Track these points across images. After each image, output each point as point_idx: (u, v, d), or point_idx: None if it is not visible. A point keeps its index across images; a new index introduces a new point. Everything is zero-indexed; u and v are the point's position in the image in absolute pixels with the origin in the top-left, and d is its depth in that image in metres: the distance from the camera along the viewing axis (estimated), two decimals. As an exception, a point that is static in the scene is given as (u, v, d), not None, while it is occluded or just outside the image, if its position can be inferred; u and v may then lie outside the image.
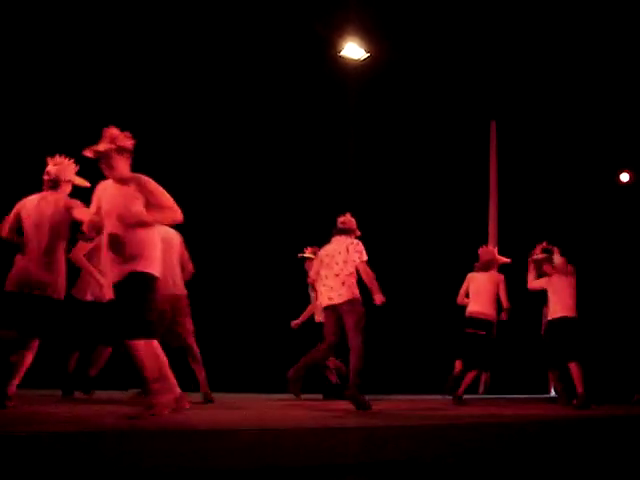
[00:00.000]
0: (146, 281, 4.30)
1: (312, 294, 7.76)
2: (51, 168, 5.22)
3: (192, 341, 6.43)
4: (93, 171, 4.94)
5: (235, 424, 3.78)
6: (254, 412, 5.00)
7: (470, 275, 8.02)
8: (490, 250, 8.36)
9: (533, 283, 7.91)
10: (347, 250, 6.28)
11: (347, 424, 3.92)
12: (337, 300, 6.08)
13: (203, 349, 8.64)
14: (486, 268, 7.97)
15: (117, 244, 4.29)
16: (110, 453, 2.71)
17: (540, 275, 7.88)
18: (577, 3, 10.16)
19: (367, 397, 7.53)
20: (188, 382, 6.66)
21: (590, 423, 5.66)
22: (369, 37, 10.44)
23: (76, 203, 5.08)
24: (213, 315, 9.09)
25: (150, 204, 4.39)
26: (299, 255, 7.81)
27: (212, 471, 2.81)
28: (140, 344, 4.15)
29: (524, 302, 8.41)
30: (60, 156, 5.30)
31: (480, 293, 7.87)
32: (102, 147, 4.58)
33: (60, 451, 2.66)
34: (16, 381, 4.92)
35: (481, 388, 11.92)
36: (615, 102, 11.71)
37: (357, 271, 6.20)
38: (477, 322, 7.85)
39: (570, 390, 7.72)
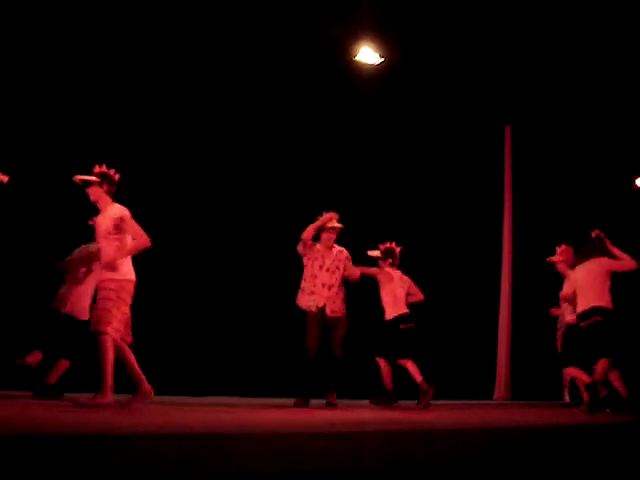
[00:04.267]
0: None
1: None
2: None
3: None
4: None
5: (246, 428, 3.77)
6: (265, 415, 4.99)
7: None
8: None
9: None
10: None
11: (364, 428, 3.91)
12: None
13: (213, 351, 8.67)
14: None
15: None
16: (119, 456, 2.70)
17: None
18: (594, 8, 10.12)
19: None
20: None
21: (605, 430, 5.61)
22: (384, 42, 10.44)
23: None
24: (225, 317, 9.12)
25: None
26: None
27: (228, 475, 2.80)
28: None
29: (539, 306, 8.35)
30: None
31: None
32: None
33: (74, 453, 2.66)
34: None
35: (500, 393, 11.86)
36: (631, 107, 11.63)
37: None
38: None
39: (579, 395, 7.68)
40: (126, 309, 5.32)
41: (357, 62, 10.52)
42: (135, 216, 5.42)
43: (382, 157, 10.95)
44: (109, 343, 5.09)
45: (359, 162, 10.61)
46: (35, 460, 2.51)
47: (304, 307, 6.74)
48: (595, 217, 12.38)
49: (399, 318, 7.57)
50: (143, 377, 5.21)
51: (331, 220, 7.03)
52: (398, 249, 7.86)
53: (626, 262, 7.25)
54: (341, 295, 6.97)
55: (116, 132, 8.51)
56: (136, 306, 5.48)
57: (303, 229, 6.96)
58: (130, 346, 5.46)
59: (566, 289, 7.61)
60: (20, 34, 7.94)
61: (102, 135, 8.39)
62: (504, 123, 12.63)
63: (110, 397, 5.09)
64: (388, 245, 7.82)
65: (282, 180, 9.97)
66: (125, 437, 2.91)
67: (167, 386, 7.12)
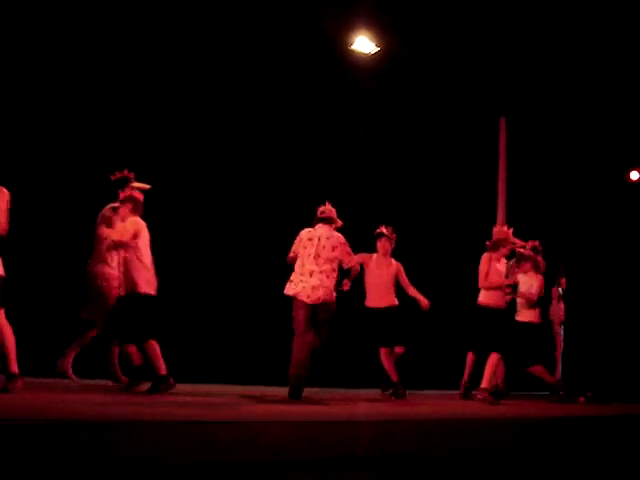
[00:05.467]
0: None
1: None
2: None
3: None
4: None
5: (244, 417, 3.79)
6: (262, 405, 5.00)
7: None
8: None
9: None
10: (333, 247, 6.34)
11: (358, 417, 3.93)
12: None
13: (204, 340, 8.69)
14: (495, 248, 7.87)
15: None
16: (105, 444, 2.71)
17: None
18: (590, 2, 10.12)
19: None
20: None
21: (597, 422, 5.65)
22: (380, 31, 10.41)
23: None
24: (216, 307, 9.12)
25: None
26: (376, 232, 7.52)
27: (222, 464, 2.81)
28: None
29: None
30: None
31: None
32: None
33: (63, 440, 2.66)
34: None
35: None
36: (626, 100, 11.66)
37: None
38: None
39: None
40: None
41: (353, 51, 10.48)
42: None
43: (377, 148, 10.93)
44: None
45: (355, 152, 10.59)
46: (23, 445, 2.51)
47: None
48: (588, 210, 12.46)
49: None
50: None
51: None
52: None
53: None
54: None
55: (118, 131, 8.50)
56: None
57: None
58: None
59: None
60: (21, 37, 7.94)
61: (103, 134, 8.39)
62: (499, 115, 12.62)
63: None
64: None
65: (278, 171, 9.95)
66: (115, 424, 2.92)
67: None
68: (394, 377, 7.17)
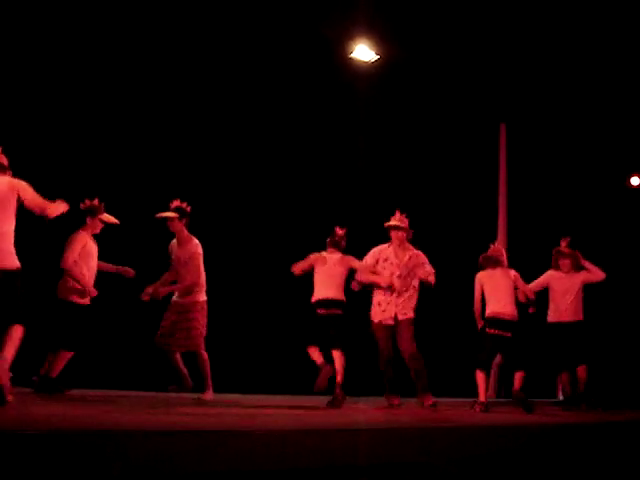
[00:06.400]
0: None
1: None
2: None
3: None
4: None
5: (244, 426, 3.78)
6: (262, 413, 4.99)
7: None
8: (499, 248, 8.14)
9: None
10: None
11: (358, 425, 3.93)
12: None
13: (214, 349, 8.68)
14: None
15: None
16: (111, 454, 2.70)
17: None
18: (590, 7, 10.15)
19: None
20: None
21: (599, 428, 5.64)
22: (379, 39, 10.44)
23: None
24: (224, 317, 9.12)
25: None
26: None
27: (222, 473, 2.81)
28: None
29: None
30: None
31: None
32: None
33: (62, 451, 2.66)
34: None
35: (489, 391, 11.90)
36: (626, 106, 11.68)
37: None
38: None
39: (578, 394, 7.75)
40: None
41: (353, 60, 10.51)
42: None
43: (378, 155, 10.96)
44: None
45: (355, 160, 10.61)
46: (17, 456, 2.51)
47: None
48: (589, 215, 12.45)
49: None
50: None
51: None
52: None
53: None
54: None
55: (120, 143, 8.56)
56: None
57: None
58: None
59: None
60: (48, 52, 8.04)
61: (104, 138, 8.44)
62: (499, 121, 12.65)
63: None
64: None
65: (276, 176, 9.99)
66: (114, 433, 2.91)
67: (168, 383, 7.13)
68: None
